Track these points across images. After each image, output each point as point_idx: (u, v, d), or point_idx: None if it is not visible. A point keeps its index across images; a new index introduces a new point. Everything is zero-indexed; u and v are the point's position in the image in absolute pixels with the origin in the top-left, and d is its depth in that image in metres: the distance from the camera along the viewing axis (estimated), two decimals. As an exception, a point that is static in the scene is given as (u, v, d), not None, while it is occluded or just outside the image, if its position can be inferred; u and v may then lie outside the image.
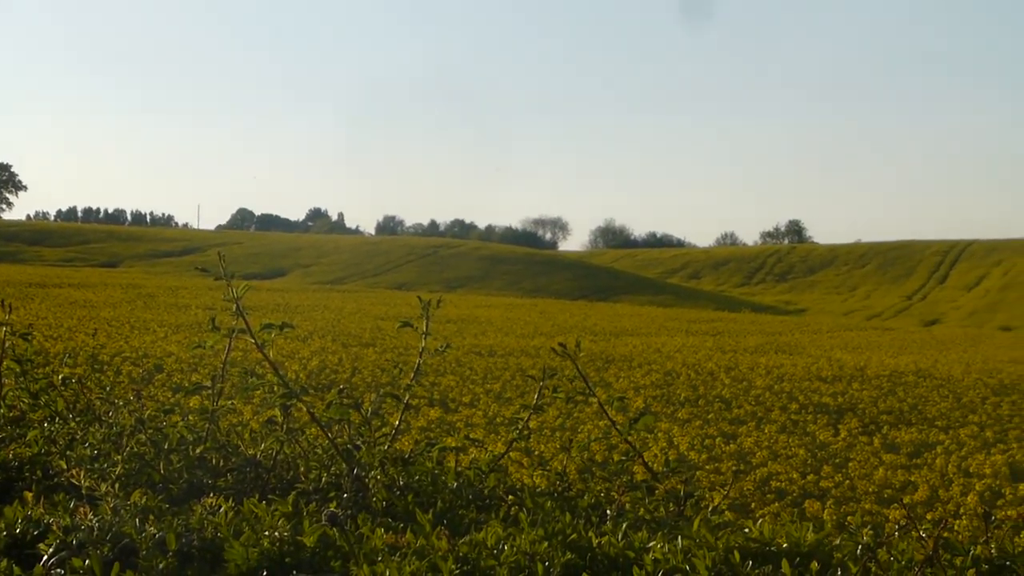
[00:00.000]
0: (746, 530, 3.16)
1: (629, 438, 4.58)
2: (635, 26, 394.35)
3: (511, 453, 12.43)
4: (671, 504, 4.06)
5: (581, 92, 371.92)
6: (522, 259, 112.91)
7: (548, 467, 10.16)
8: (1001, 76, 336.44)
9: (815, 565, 2.83)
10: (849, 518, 10.56)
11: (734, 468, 13.36)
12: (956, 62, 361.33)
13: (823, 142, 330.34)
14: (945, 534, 2.92)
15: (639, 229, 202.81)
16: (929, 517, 10.76)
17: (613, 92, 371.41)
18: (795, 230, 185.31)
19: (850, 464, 13.94)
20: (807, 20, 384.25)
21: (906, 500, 11.79)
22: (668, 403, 19.27)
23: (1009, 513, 11.02)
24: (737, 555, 2.94)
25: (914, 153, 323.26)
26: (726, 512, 9.78)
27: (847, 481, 12.86)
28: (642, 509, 3.94)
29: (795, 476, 12.97)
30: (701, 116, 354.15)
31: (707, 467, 13.47)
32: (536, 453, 13.35)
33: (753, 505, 11.62)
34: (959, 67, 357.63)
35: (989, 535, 3.39)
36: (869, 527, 3.17)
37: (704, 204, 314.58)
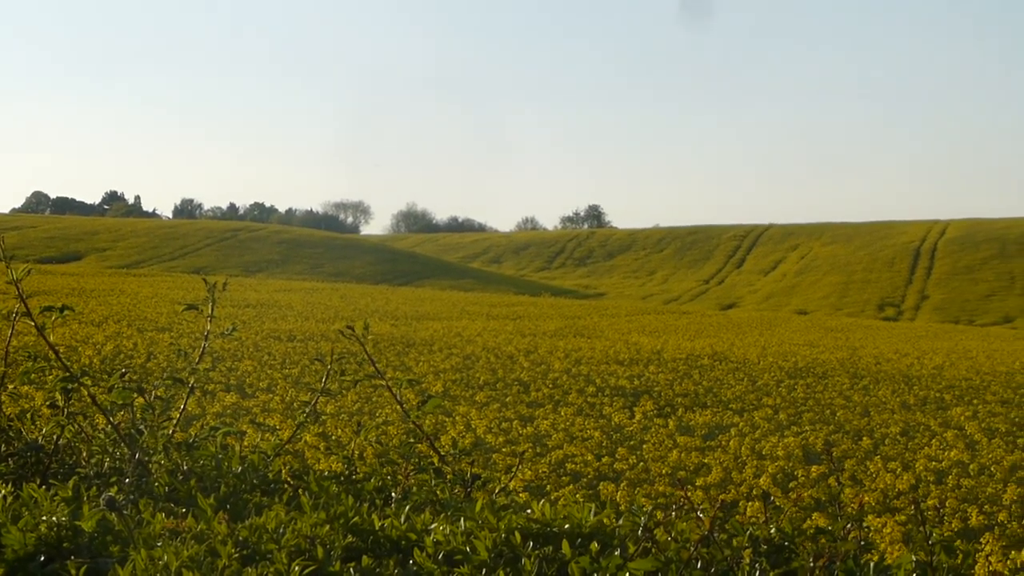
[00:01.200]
0: (528, 511, 3.17)
1: (418, 421, 4.55)
2: (418, 8, 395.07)
3: (307, 438, 12.31)
4: (458, 487, 4.05)
5: (376, 74, 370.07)
6: (323, 243, 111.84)
7: (343, 451, 10.07)
8: (793, 66, 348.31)
9: (595, 545, 2.84)
10: (641, 499, 10.77)
11: (522, 451, 13.47)
12: (749, 51, 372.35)
13: (622, 128, 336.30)
14: (720, 514, 2.97)
15: (441, 214, 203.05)
16: (721, 499, 11.02)
17: (410, 74, 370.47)
18: (594, 215, 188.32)
19: (645, 446, 14.20)
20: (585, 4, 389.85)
21: (699, 482, 12.06)
22: (467, 387, 19.35)
23: (802, 494, 11.39)
24: (518, 536, 2.94)
25: (711, 140, 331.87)
26: (522, 494, 9.86)
27: (641, 463, 13.10)
28: (427, 491, 3.92)
29: (590, 458, 13.15)
30: (498, 101, 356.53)
31: (504, 449, 13.56)
32: (333, 437, 13.23)
33: (548, 487, 11.74)
34: (753, 56, 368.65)
35: (769, 515, 3.48)
36: (653, 507, 3.21)
37: (505, 189, 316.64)
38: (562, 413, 16.77)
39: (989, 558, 8.50)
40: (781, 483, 12.36)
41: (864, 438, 15.36)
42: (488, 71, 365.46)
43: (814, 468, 13.03)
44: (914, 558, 3.09)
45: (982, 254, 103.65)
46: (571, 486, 11.77)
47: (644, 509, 3.01)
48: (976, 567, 8.23)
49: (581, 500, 3.38)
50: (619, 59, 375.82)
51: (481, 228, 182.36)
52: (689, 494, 3.21)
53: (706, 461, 13.34)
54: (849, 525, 3.32)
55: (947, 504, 11.01)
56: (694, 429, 16.04)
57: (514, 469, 4.65)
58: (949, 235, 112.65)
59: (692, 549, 2.81)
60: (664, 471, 12.68)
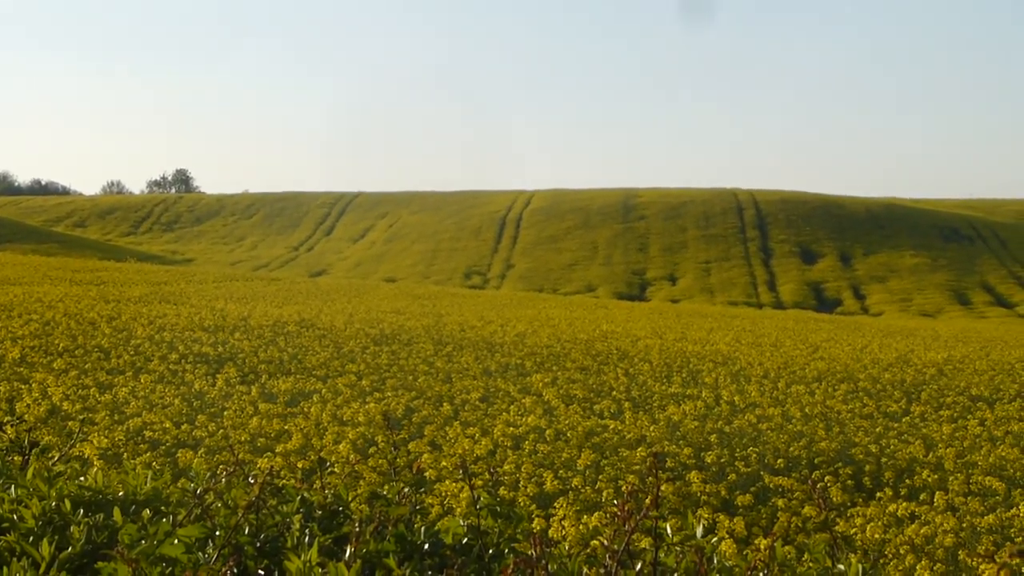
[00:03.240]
0: (82, 479, 3.13)
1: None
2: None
3: None
4: (16, 455, 3.93)
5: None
6: None
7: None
8: (371, 40, 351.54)
9: (147, 512, 2.85)
10: (220, 468, 10.68)
11: (82, 419, 13.08)
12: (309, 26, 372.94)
13: (209, 93, 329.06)
14: (279, 481, 3.04)
15: (23, 176, 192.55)
16: (301, 465, 11.07)
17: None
18: (182, 179, 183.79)
19: (225, 413, 14.07)
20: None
21: (279, 448, 12.08)
22: (46, 353, 18.53)
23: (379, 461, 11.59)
24: (68, 504, 2.91)
25: (294, 108, 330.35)
26: (97, 463, 9.56)
27: (221, 431, 12.98)
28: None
29: (169, 426, 12.91)
30: (86, 63, 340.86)
31: (79, 417, 13.10)
32: None
33: (125, 455, 11.45)
34: (331, 31, 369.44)
35: (324, 480, 3.58)
36: (209, 474, 3.24)
37: (90, 151, 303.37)
38: (143, 380, 16.35)
39: (563, 522, 8.97)
40: (361, 449, 12.53)
41: (445, 404, 15.71)
42: (77, 30, 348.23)
43: (394, 434, 13.28)
44: (463, 522, 3.24)
45: (566, 224, 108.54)
46: (149, 454, 11.52)
47: (200, 476, 3.04)
48: (550, 531, 8.71)
49: (158, 468, 3.37)
50: (199, 20, 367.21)
51: (65, 191, 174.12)
52: (236, 460, 3.26)
53: (287, 428, 13.35)
54: (407, 490, 3.45)
55: (523, 469, 11.41)
56: (277, 396, 16.01)
57: (75, 436, 4.55)
58: (535, 205, 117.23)
59: (240, 515, 2.86)
60: (244, 437, 12.62)
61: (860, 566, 2.52)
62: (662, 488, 2.52)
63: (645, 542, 2.52)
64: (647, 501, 2.47)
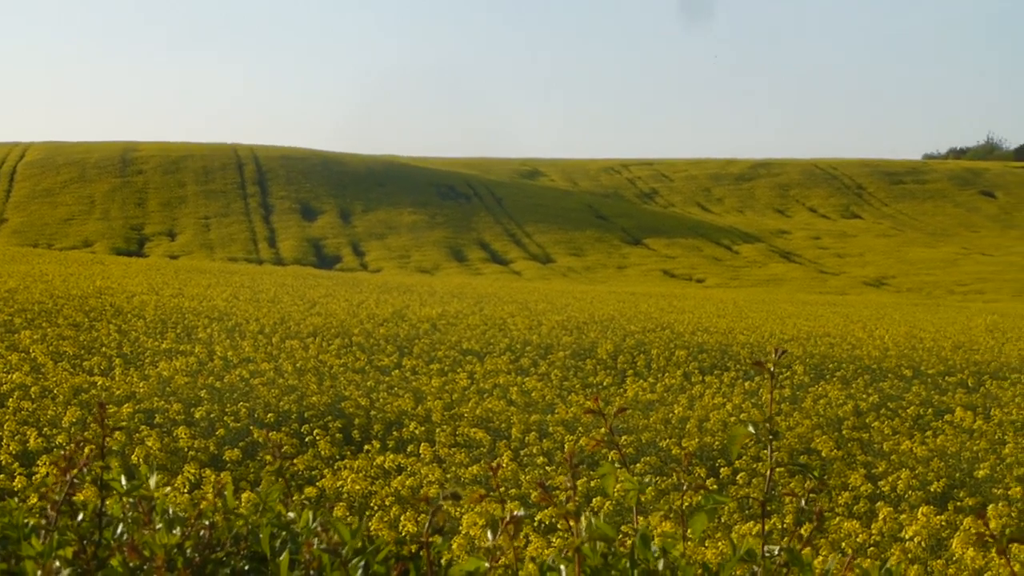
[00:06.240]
0: None
1: None
2: None
3: None
4: None
5: None
6: None
7: None
8: None
9: None
10: None
11: None
12: None
13: None
14: None
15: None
16: None
17: None
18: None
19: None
20: None
21: None
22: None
23: None
24: None
25: None
26: None
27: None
28: None
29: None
30: None
31: None
32: None
33: None
34: None
35: None
36: None
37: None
38: None
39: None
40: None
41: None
42: None
43: None
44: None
45: (62, 178, 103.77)
46: None
47: None
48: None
49: None
50: None
51: None
52: None
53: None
54: None
55: (6, 427, 10.85)
56: None
57: None
58: (29, 158, 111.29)
59: None
60: None
61: (311, 514, 2.55)
62: (109, 440, 2.45)
63: (91, 492, 2.44)
64: (86, 451, 2.40)
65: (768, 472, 2.97)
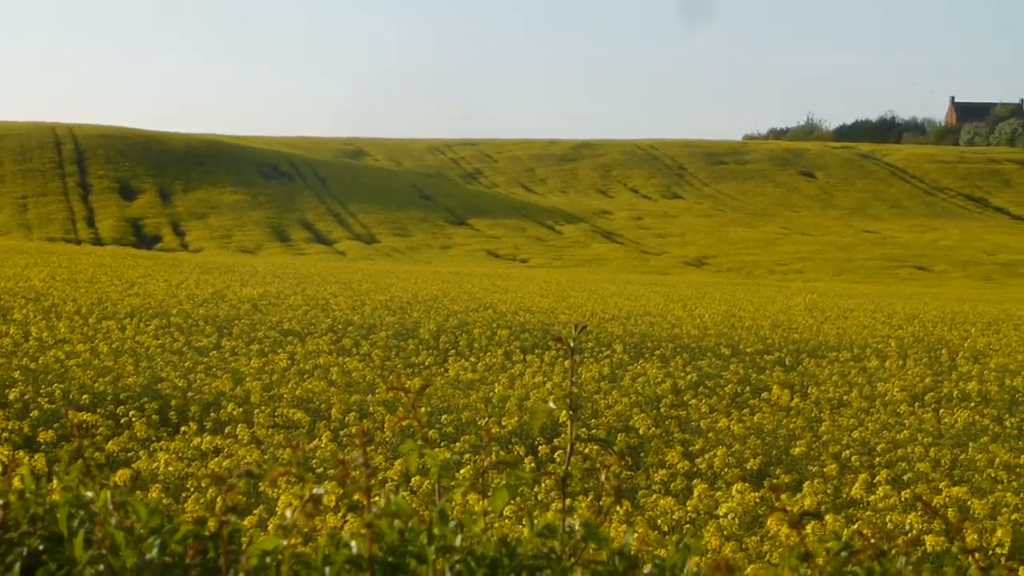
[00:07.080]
0: None
1: None
2: None
3: None
4: None
5: None
6: None
7: None
8: None
9: None
10: None
11: None
12: None
13: None
14: None
15: None
16: None
17: None
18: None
19: None
20: None
21: None
22: None
23: None
24: None
25: None
26: None
27: None
28: None
29: None
30: None
31: None
32: None
33: None
34: None
35: None
36: None
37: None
38: None
39: None
40: None
41: None
42: None
43: None
44: None
45: None
46: None
47: None
48: None
49: None
50: None
51: None
52: None
53: None
54: None
55: None
56: None
57: None
58: None
59: None
60: None
61: (109, 493, 2.55)
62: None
63: None
64: None
65: (568, 447, 3.06)
